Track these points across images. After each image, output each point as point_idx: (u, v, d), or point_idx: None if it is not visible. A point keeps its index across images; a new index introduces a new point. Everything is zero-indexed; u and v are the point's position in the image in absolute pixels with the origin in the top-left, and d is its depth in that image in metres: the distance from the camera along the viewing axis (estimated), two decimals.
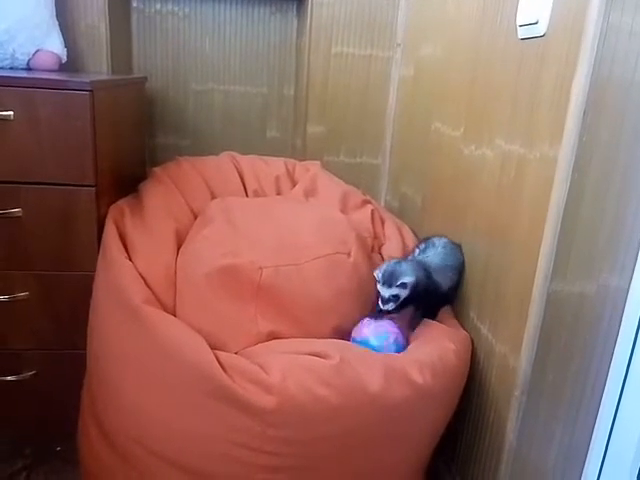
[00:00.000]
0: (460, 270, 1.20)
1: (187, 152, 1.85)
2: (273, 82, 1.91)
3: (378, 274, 1.11)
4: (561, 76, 0.86)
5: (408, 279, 1.09)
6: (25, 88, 1.10)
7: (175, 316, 1.01)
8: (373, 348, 1.04)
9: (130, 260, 1.07)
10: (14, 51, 1.39)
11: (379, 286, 1.11)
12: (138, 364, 0.94)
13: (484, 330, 1.09)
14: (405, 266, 1.13)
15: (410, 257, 1.23)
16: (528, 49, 0.96)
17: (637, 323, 0.90)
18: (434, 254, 1.19)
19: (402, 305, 1.12)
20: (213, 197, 1.39)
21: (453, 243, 1.22)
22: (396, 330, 1.10)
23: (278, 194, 1.50)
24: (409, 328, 1.14)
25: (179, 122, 1.90)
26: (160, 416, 0.91)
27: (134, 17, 1.78)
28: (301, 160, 1.68)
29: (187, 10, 1.80)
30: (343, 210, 1.42)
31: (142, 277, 1.04)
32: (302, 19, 1.77)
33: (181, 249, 1.15)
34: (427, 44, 1.49)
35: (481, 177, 1.12)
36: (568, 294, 0.90)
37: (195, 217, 1.30)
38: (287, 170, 1.56)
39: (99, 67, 1.60)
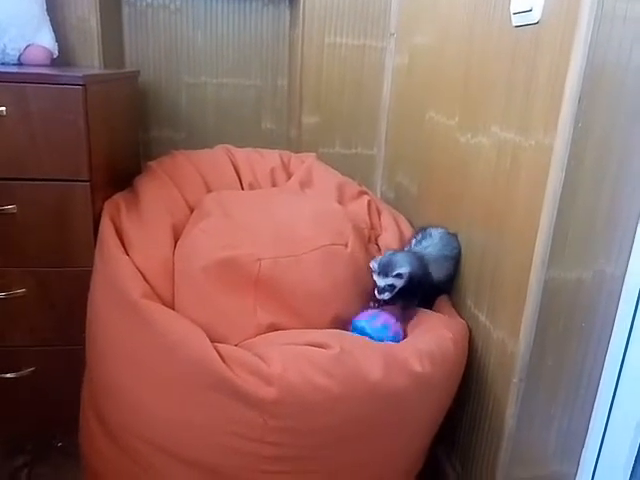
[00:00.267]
0: (457, 260, 1.21)
1: (181, 145, 1.84)
2: (266, 74, 1.90)
3: (374, 264, 1.13)
4: (556, 63, 0.86)
5: (404, 270, 1.10)
6: (17, 83, 1.09)
7: (174, 310, 1.01)
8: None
9: (127, 255, 1.07)
10: (5, 46, 1.38)
11: (375, 276, 1.12)
12: (138, 358, 0.95)
13: (482, 317, 1.10)
14: (401, 257, 1.14)
15: (407, 248, 1.24)
16: (522, 36, 0.96)
17: (633, 309, 0.91)
18: (431, 245, 1.19)
19: (398, 295, 1.12)
20: (209, 190, 1.38)
21: (449, 233, 1.22)
22: (394, 322, 1.11)
23: (274, 186, 1.50)
24: (402, 320, 1.14)
25: (173, 115, 1.89)
26: (161, 410, 0.91)
27: (125, 10, 1.77)
28: (296, 152, 1.68)
29: (178, 3, 1.79)
30: (339, 201, 1.42)
31: (140, 272, 1.03)
32: (295, 10, 1.76)
33: (178, 243, 1.15)
34: (421, 33, 1.49)
35: (477, 165, 1.12)
36: (565, 280, 0.91)
37: (191, 211, 1.29)
38: (282, 162, 1.56)
39: (91, 61, 1.59)
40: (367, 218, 1.40)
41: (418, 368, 0.95)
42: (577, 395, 0.98)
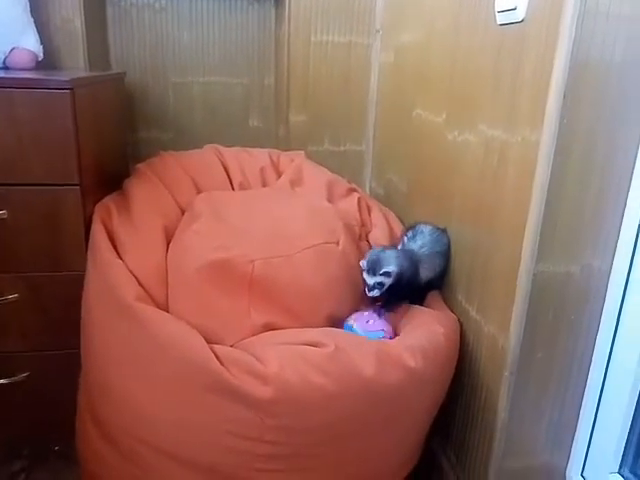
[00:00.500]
0: (447, 255, 1.22)
1: (169, 145, 1.83)
2: (253, 72, 1.90)
3: (363, 263, 1.14)
4: (540, 61, 0.87)
5: (391, 268, 1.12)
6: (4, 89, 1.08)
7: (168, 312, 1.01)
8: None
9: (120, 259, 1.07)
10: None
11: (364, 274, 1.13)
12: (134, 362, 0.95)
13: (472, 312, 1.12)
14: (389, 254, 1.15)
15: (399, 246, 1.25)
16: (507, 35, 0.97)
17: (620, 301, 0.93)
18: (422, 242, 1.20)
19: (388, 292, 1.14)
20: (199, 191, 1.38)
21: (439, 228, 1.23)
22: (387, 326, 1.12)
23: (264, 186, 1.51)
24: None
25: (160, 116, 1.89)
26: (158, 411, 0.92)
27: (109, 11, 1.75)
28: (285, 150, 1.69)
29: (163, 2, 1.78)
30: (329, 199, 1.42)
31: (133, 275, 1.04)
32: (280, 8, 1.76)
33: (170, 245, 1.15)
34: (406, 30, 1.50)
35: (465, 162, 1.13)
36: (553, 274, 0.93)
37: (182, 212, 1.29)
38: (272, 161, 1.56)
39: (76, 63, 1.58)
40: (357, 215, 1.41)
41: (411, 363, 0.96)
42: (567, 387, 1.00)
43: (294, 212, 1.24)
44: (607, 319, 0.95)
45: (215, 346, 0.92)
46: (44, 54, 1.49)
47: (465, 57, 1.14)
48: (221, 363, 0.89)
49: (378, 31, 1.72)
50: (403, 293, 1.17)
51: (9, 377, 1.25)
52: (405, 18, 1.51)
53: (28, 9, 1.45)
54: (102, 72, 1.57)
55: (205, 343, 0.91)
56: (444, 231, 1.23)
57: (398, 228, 1.41)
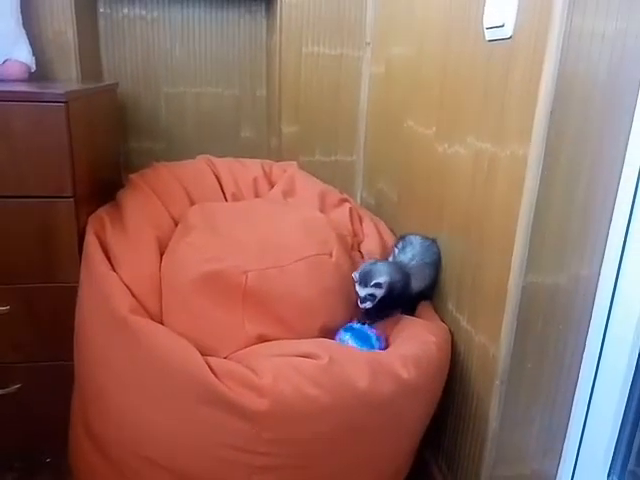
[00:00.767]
0: (437, 265, 1.24)
1: (161, 156, 1.84)
2: (245, 83, 1.92)
3: (356, 275, 1.15)
4: (528, 77, 0.89)
5: (382, 279, 1.13)
6: None
7: (162, 324, 1.02)
8: None
9: (114, 270, 1.08)
10: None
11: (356, 286, 1.15)
12: (129, 374, 0.95)
13: (463, 322, 1.13)
14: (381, 266, 1.17)
15: (390, 258, 1.26)
16: (496, 51, 0.99)
17: (607, 311, 0.95)
18: (412, 253, 1.22)
19: (380, 304, 1.15)
20: (192, 203, 1.39)
21: (429, 239, 1.25)
22: (378, 334, 1.13)
23: (256, 196, 1.52)
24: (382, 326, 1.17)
25: (152, 126, 1.90)
26: (153, 424, 0.92)
27: (101, 23, 1.77)
28: (277, 160, 1.70)
29: (155, 14, 1.79)
30: (322, 209, 1.44)
31: (127, 287, 1.04)
32: (271, 20, 1.78)
33: (164, 257, 1.16)
34: (396, 43, 1.52)
35: (455, 174, 1.15)
36: (542, 285, 0.94)
37: (175, 224, 1.30)
38: (264, 172, 1.57)
39: (69, 74, 1.59)
40: (349, 225, 1.43)
41: (404, 374, 0.97)
42: (556, 395, 1.01)
43: (287, 223, 1.25)
44: (595, 328, 0.96)
45: (209, 358, 0.93)
46: (37, 66, 1.49)
47: (455, 71, 1.16)
48: (216, 375, 0.89)
49: (368, 43, 1.74)
50: (395, 304, 1.18)
51: (1, 389, 1.25)
52: (395, 32, 1.54)
53: (20, 21, 1.45)
54: (95, 83, 1.58)
55: (199, 355, 0.92)
56: (434, 241, 1.25)
57: (389, 238, 1.43)
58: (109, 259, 1.11)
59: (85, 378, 1.05)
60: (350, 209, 1.47)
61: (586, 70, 0.84)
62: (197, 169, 1.50)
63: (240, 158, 1.62)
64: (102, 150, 1.49)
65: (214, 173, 1.51)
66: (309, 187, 1.52)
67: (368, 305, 1.14)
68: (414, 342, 1.07)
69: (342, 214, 1.45)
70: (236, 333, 1.04)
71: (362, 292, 1.13)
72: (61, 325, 1.21)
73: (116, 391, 0.97)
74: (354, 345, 1.08)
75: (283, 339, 1.05)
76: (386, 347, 1.12)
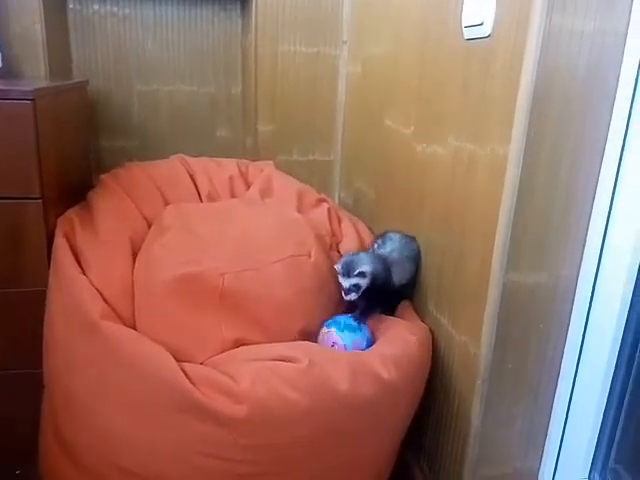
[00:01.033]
0: (417, 261, 1.23)
1: (134, 154, 1.80)
2: (220, 81, 1.88)
3: (338, 266, 1.14)
4: (507, 76, 0.89)
5: (366, 267, 1.11)
6: None
7: (135, 330, 0.99)
8: None
9: (84, 274, 1.04)
10: None
11: (340, 278, 1.13)
12: (100, 381, 0.92)
13: (444, 321, 1.12)
14: (363, 256, 1.16)
15: (370, 251, 1.25)
16: (474, 49, 0.98)
17: (587, 309, 0.95)
18: (392, 247, 1.21)
19: (363, 296, 1.13)
20: (166, 203, 1.36)
21: (408, 236, 1.24)
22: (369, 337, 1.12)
23: (232, 196, 1.49)
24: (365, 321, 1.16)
25: (125, 124, 1.85)
26: (128, 433, 0.89)
27: (71, 18, 1.71)
28: (253, 160, 1.67)
29: (127, 11, 1.75)
30: (299, 209, 1.42)
31: (98, 291, 1.01)
32: (247, 18, 1.75)
33: (137, 259, 1.12)
34: (373, 42, 1.51)
35: (434, 172, 1.14)
36: (522, 284, 0.94)
37: (149, 225, 1.27)
38: (240, 171, 1.55)
39: (37, 71, 1.53)
40: (328, 225, 1.41)
41: (385, 375, 0.96)
42: (537, 393, 1.01)
43: (265, 223, 1.23)
44: (575, 326, 0.96)
45: (185, 364, 0.90)
46: (3, 62, 1.44)
47: (433, 71, 1.15)
48: (191, 382, 0.87)
49: (345, 42, 1.72)
50: (378, 297, 1.16)
51: None
52: (372, 30, 1.52)
53: None
54: (64, 80, 1.53)
55: (174, 361, 0.89)
56: (413, 238, 1.24)
57: (368, 238, 1.41)
58: (79, 262, 1.07)
59: (54, 385, 1.01)
60: (328, 209, 1.46)
61: (565, 68, 0.84)
62: (171, 169, 1.47)
63: (215, 158, 1.59)
64: (72, 149, 1.44)
65: (189, 172, 1.48)
66: (287, 187, 1.50)
67: (353, 297, 1.12)
68: (395, 342, 1.06)
69: (320, 214, 1.43)
70: (213, 337, 1.01)
71: (346, 283, 1.11)
72: (31, 331, 1.16)
73: (88, 398, 0.93)
74: (344, 335, 1.07)
75: (261, 343, 1.02)
76: (373, 339, 1.11)
